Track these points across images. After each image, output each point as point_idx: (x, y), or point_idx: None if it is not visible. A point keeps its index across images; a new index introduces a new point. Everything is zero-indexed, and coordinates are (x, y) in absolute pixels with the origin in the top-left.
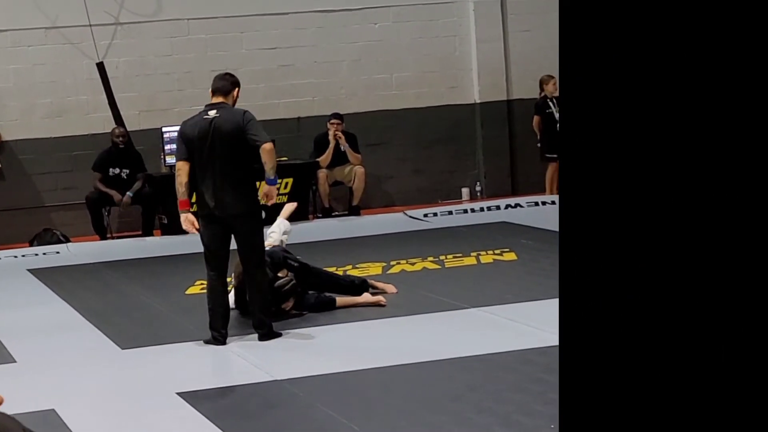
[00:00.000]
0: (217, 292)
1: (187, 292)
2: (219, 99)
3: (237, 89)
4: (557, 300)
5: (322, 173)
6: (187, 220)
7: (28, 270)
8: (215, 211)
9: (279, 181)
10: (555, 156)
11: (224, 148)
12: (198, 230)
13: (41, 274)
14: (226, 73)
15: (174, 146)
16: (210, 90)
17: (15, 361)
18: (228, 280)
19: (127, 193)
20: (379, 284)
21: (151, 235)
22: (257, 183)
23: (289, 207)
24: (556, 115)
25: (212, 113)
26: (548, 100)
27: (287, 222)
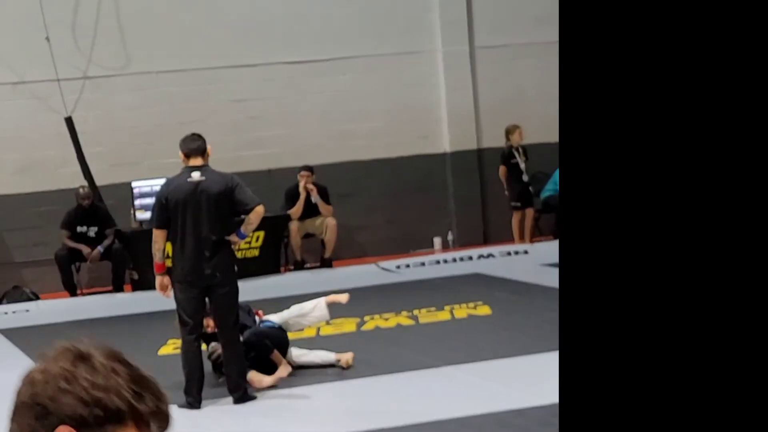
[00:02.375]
0: (192, 356)
1: (160, 352)
2: (198, 161)
3: (209, 147)
4: (532, 357)
5: (293, 225)
6: (162, 284)
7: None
8: (193, 276)
9: (250, 235)
10: (519, 204)
11: (210, 211)
12: (172, 295)
13: (11, 334)
14: (194, 134)
15: (144, 201)
16: (182, 153)
17: None
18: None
19: (98, 247)
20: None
21: (122, 290)
22: None
23: (340, 297)
24: (521, 165)
25: (196, 176)
26: (513, 149)
27: (324, 312)
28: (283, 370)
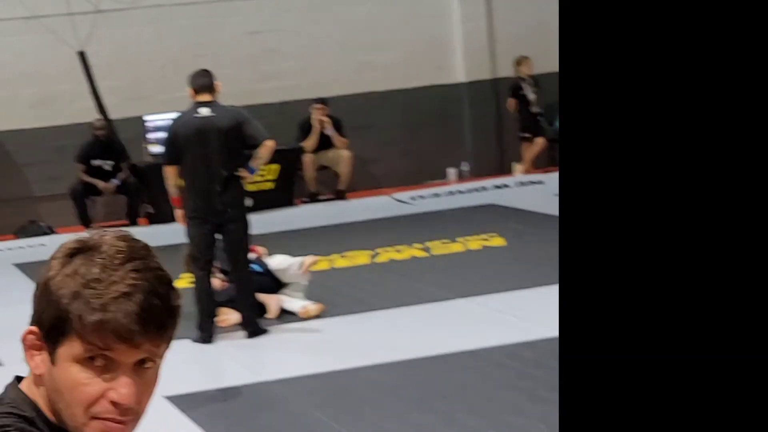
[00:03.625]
0: (205, 291)
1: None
2: (207, 97)
3: (218, 83)
4: (545, 288)
5: (308, 158)
6: (182, 215)
7: (14, 264)
8: (204, 211)
9: (265, 167)
10: (529, 136)
11: (220, 146)
12: (186, 229)
13: (28, 268)
14: (203, 70)
15: (157, 135)
16: (191, 88)
17: (2, 365)
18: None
19: (113, 180)
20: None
21: (137, 224)
22: None
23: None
24: (529, 96)
25: (205, 111)
26: (522, 81)
27: (294, 268)
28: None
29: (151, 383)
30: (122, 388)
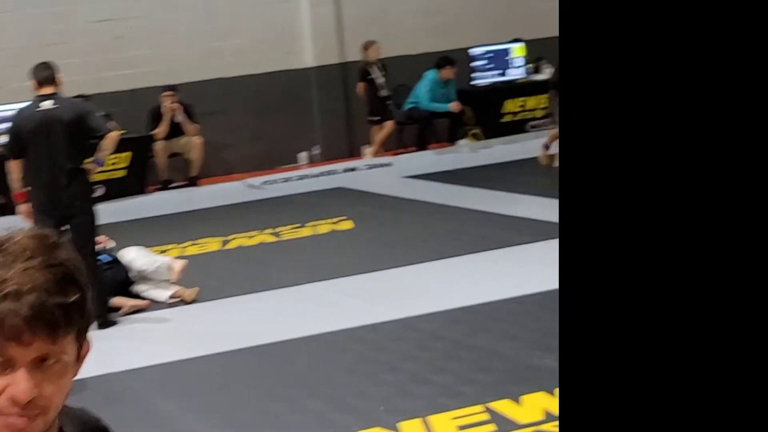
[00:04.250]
0: None
1: None
2: (50, 89)
3: (60, 76)
4: (392, 271)
5: (159, 145)
6: (26, 211)
7: None
8: (50, 205)
9: (116, 155)
10: (378, 119)
11: (64, 139)
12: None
13: None
14: (45, 63)
15: (5, 125)
16: (34, 81)
17: None
18: None
19: None
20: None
21: None
22: None
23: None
24: (378, 81)
25: (47, 104)
26: (369, 65)
27: (163, 269)
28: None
29: (57, 378)
30: (19, 384)
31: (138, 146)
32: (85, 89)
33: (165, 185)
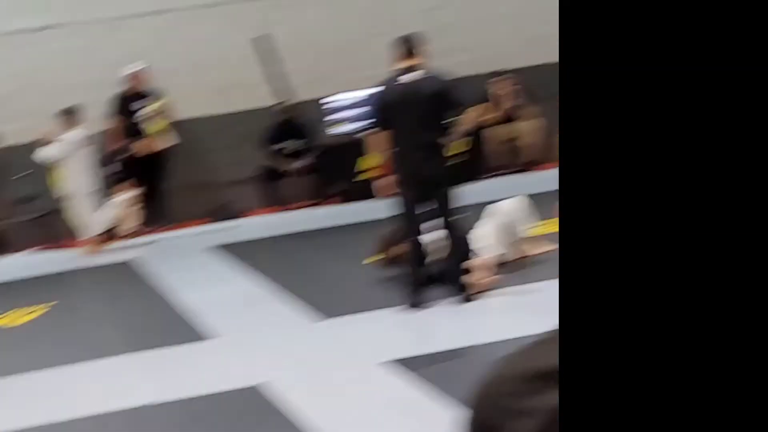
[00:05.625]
0: (417, 258)
1: (366, 261)
2: (409, 62)
3: (424, 48)
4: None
5: (490, 131)
6: (387, 184)
7: (212, 247)
8: (412, 177)
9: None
10: None
11: (424, 112)
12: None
13: (228, 249)
14: (407, 35)
15: (340, 115)
16: (399, 54)
17: (217, 337)
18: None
19: (300, 161)
20: None
21: (325, 204)
22: None
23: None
24: None
25: (406, 78)
26: None
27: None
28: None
29: None
30: None
31: (472, 133)
32: None
33: (498, 171)
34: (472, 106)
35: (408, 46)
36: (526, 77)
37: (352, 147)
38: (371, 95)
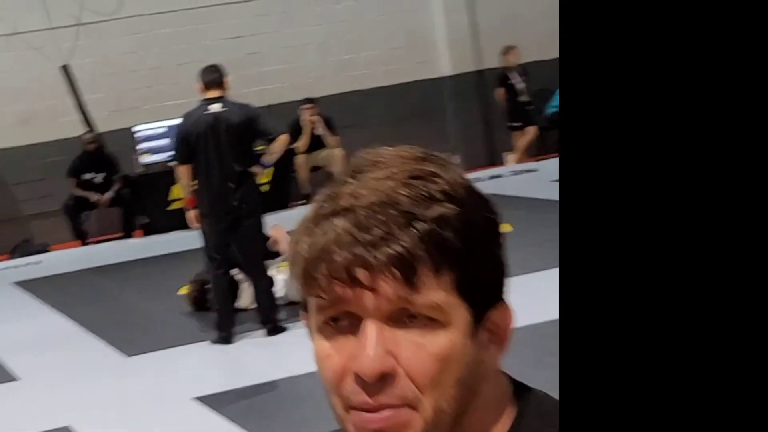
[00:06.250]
0: (222, 291)
1: (180, 293)
2: (216, 92)
3: (228, 79)
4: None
5: (300, 159)
6: (194, 216)
7: (14, 283)
8: (219, 208)
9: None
10: (519, 125)
11: (232, 142)
12: (201, 228)
13: (28, 285)
14: (213, 65)
15: (147, 145)
16: (201, 83)
17: (19, 379)
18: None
19: (107, 193)
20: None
21: (131, 236)
22: None
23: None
24: (518, 86)
25: (215, 107)
26: (509, 70)
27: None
28: None
29: (436, 351)
30: (364, 350)
31: (280, 161)
32: None
33: (308, 199)
34: (280, 134)
35: (213, 77)
36: (331, 105)
37: (161, 176)
38: (176, 126)
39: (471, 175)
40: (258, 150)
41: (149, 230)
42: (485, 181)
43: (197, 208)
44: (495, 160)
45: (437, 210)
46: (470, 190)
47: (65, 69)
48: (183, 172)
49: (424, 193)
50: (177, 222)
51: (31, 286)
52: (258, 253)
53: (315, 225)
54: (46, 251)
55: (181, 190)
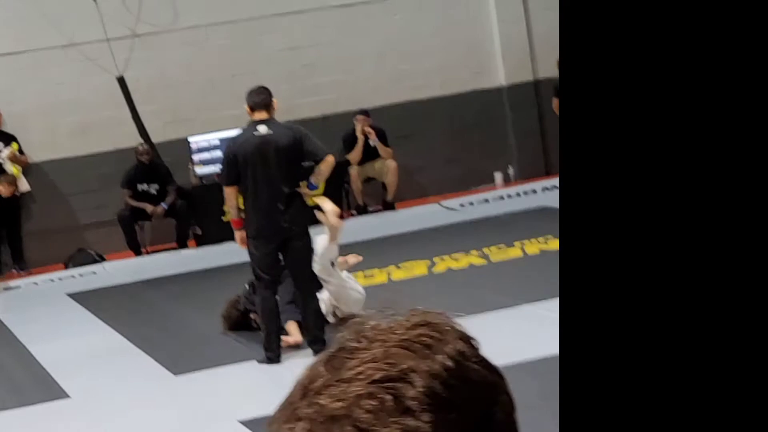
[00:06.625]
0: (271, 311)
1: None
2: (263, 114)
3: (275, 101)
4: None
5: (353, 170)
6: (242, 238)
7: (68, 294)
8: (269, 230)
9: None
10: None
11: (280, 164)
12: (248, 249)
13: (81, 298)
14: (261, 87)
15: (202, 156)
16: (248, 106)
17: (69, 396)
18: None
19: (161, 204)
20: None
21: (186, 247)
22: None
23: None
24: None
25: (263, 129)
26: None
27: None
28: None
29: None
30: None
31: (333, 172)
32: (278, 117)
33: (361, 210)
34: (326, 155)
35: (260, 98)
36: (387, 116)
37: (215, 187)
38: (224, 148)
39: (527, 186)
40: (306, 164)
41: (202, 241)
42: (540, 193)
43: (244, 229)
44: (550, 171)
45: (401, 426)
46: (464, 374)
47: (121, 80)
48: (230, 193)
49: (389, 406)
50: (229, 233)
51: (84, 298)
52: (308, 273)
53: (277, 425)
54: (102, 261)
55: (229, 211)
